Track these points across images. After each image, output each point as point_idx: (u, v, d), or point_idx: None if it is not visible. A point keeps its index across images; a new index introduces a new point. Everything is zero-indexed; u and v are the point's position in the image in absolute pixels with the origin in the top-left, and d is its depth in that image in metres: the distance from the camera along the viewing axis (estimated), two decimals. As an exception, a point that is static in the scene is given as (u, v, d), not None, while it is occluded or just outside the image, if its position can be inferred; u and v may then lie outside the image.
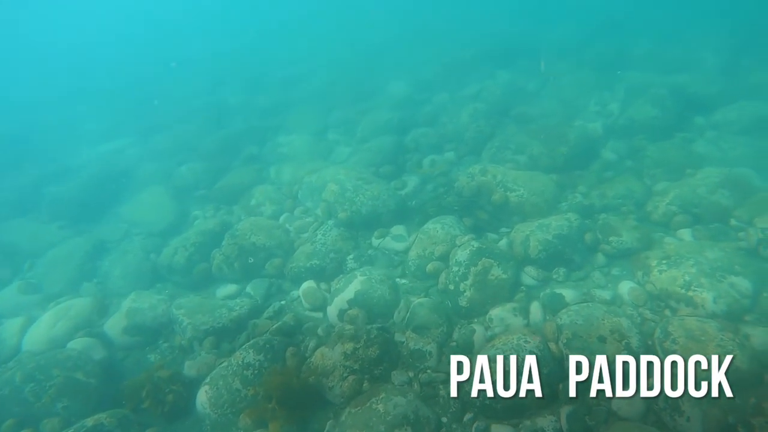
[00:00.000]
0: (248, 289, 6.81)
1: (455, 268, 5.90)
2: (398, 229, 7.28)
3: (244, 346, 5.36)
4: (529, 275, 6.01)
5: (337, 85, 14.24)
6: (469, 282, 5.74)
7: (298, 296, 6.49)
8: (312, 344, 5.59)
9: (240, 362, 5.19)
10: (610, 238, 6.24)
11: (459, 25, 20.30)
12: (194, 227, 8.02)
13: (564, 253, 6.06)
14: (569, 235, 6.17)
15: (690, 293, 5.05)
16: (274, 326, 5.85)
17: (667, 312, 5.15)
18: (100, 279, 7.62)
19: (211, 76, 18.08)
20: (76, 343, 6.12)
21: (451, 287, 5.85)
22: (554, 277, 6.00)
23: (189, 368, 5.60)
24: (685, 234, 6.30)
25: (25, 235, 8.77)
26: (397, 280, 6.44)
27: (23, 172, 11.38)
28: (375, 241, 7.13)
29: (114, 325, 6.40)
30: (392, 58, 17.04)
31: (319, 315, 6.21)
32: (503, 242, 6.54)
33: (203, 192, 9.67)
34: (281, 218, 7.99)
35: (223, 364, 5.30)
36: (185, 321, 6.13)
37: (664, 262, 5.48)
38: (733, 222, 6.28)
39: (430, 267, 6.31)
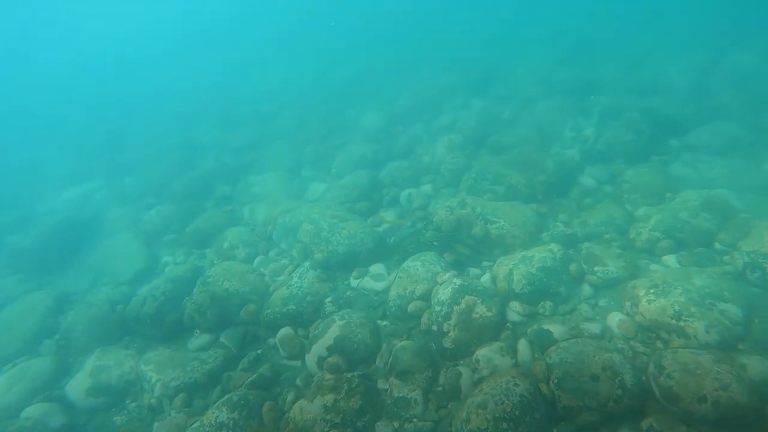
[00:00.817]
0: (222, 338, 6.50)
1: (438, 308, 5.71)
2: (377, 268, 7.09)
3: (216, 404, 5.05)
4: (515, 311, 5.84)
5: (309, 119, 14.20)
6: (452, 322, 5.55)
7: (275, 344, 6.21)
8: (290, 397, 5.31)
9: (212, 422, 4.87)
10: (596, 268, 6.14)
11: (429, 54, 20.63)
12: (164, 274, 7.71)
13: (549, 286, 5.92)
14: (553, 267, 6.05)
15: (681, 323, 4.94)
16: (249, 379, 5.56)
17: (659, 344, 5.02)
18: (62, 335, 7.22)
19: (182, 114, 17.92)
20: (33, 410, 5.75)
21: (434, 328, 5.64)
22: (540, 311, 5.84)
23: (158, 429, 5.24)
24: (671, 260, 6.24)
25: (-23, 293, 8.34)
26: (378, 321, 6.22)
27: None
28: (353, 282, 6.92)
29: (76, 387, 6.03)
30: (364, 89, 17.16)
31: (298, 363, 5.92)
32: (486, 277, 6.38)
33: (173, 236, 9.39)
34: (255, 261, 7.74)
35: (194, 425, 4.97)
36: (154, 377, 5.81)
37: (652, 291, 5.37)
38: (717, 246, 6.25)
39: (411, 307, 6.10)
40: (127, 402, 5.98)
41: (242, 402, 5.00)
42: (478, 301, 5.69)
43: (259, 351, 6.24)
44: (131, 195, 11.50)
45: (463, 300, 5.67)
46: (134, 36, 41.49)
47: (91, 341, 6.93)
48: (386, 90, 16.33)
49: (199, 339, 6.58)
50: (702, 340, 4.78)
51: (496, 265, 6.43)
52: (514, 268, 6.09)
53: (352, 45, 25.82)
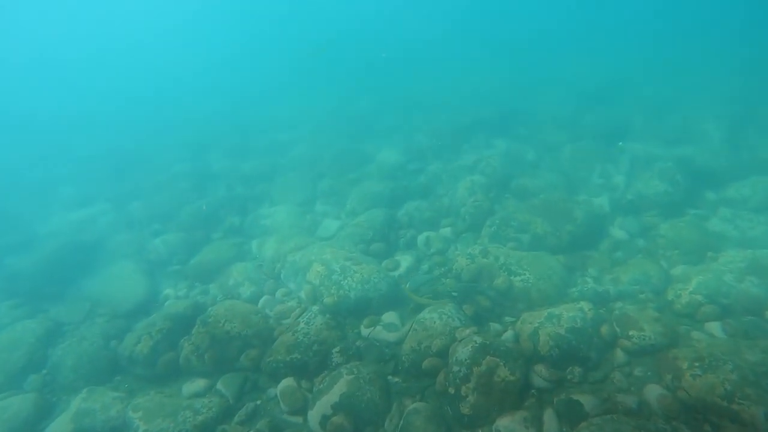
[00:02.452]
0: (219, 385, 6.07)
1: (455, 368, 5.27)
2: (390, 316, 6.69)
3: (206, 467, 4.60)
4: (540, 376, 5.37)
5: (325, 152, 14.00)
6: (471, 385, 5.09)
7: (276, 395, 5.78)
8: (288, 461, 4.85)
9: (200, 487, 4.42)
10: (630, 332, 5.67)
11: (448, 92, 20.61)
12: (163, 310, 7.36)
13: (579, 349, 5.46)
14: (584, 329, 5.60)
15: (734, 406, 4.43)
16: (244, 437, 5.12)
17: (708, 428, 4.51)
18: (49, 371, 6.84)
19: (194, 140, 17.90)
20: (9, 456, 5.33)
21: (451, 390, 5.19)
22: (569, 377, 5.37)
23: (140, 491, 4.80)
24: (715, 328, 5.75)
25: (-32, 317, 8.04)
26: (389, 377, 5.77)
27: (-16, 241, 10.75)
28: (364, 331, 6.50)
29: (57, 431, 5.61)
30: (381, 125, 17.04)
31: (299, 420, 5.47)
32: (509, 335, 5.93)
33: (177, 267, 9.08)
34: (261, 301, 7.36)
35: (180, 489, 4.54)
36: (141, 428, 5.39)
37: (696, 364, 4.89)
38: None
39: (426, 364, 5.66)
40: (111, 452, 5.55)
41: (235, 465, 4.56)
42: (501, 363, 5.24)
43: (258, 402, 5.82)
44: (138, 221, 11.27)
45: (484, 361, 5.23)
46: (154, 58, 42.40)
47: (79, 379, 6.56)
48: (404, 126, 16.19)
49: (194, 384, 6.16)
50: (761, 428, 4.27)
51: (519, 322, 6.00)
52: (540, 327, 5.66)
53: (370, 79, 26.00)
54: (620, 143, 11.82)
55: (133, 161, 16.44)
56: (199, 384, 6.18)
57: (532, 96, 18.79)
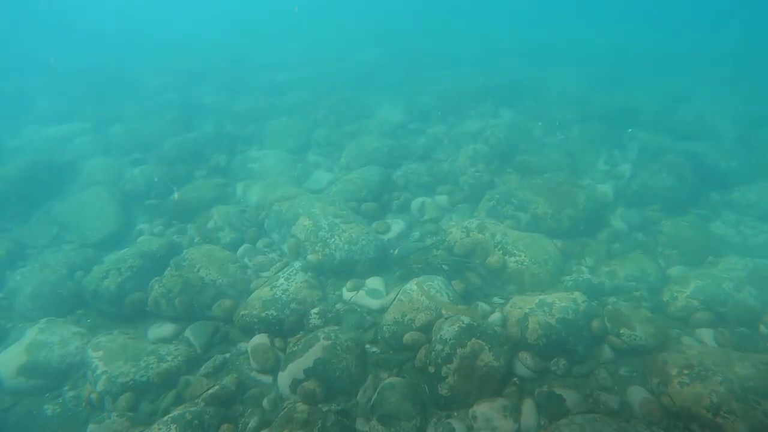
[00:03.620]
0: (187, 332, 5.86)
1: (438, 347, 5.09)
2: (375, 282, 6.47)
3: (165, 419, 4.41)
4: (524, 364, 5.24)
5: (324, 99, 13.47)
6: (453, 366, 4.93)
7: (246, 351, 5.58)
8: (253, 422, 4.69)
9: (157, 440, 4.24)
10: (621, 330, 5.54)
11: (457, 53, 19.97)
12: (135, 246, 7.02)
13: (567, 341, 5.32)
14: (575, 321, 5.44)
15: (719, 420, 4.35)
16: (209, 390, 4.95)
17: (689, 439, 4.44)
18: (6, 295, 6.55)
19: (186, 69, 17.12)
20: (-50, 382, 5.09)
21: (431, 369, 5.03)
22: (553, 368, 5.26)
23: (92, 435, 4.61)
24: (706, 335, 5.66)
25: None
26: (367, 346, 5.60)
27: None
28: (346, 294, 6.29)
29: (8, 361, 5.41)
30: (384, 79, 16.46)
31: (269, 380, 5.30)
32: (496, 317, 5.76)
33: (155, 202, 8.69)
34: (240, 249, 7.06)
35: (135, 438, 4.36)
36: (100, 368, 5.19)
37: (686, 372, 4.79)
38: (762, 329, 5.67)
39: (407, 337, 5.48)
40: (65, 389, 5.35)
41: (196, 422, 4.37)
42: (486, 347, 5.07)
43: (227, 355, 5.64)
44: (117, 146, 10.78)
45: (469, 342, 5.05)
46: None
47: (37, 308, 6.30)
48: (407, 83, 15.68)
49: (161, 329, 5.94)
50: (744, 446, 4.20)
51: (509, 305, 5.83)
52: (531, 313, 5.49)
53: (376, 30, 25.07)
54: (629, 130, 11.53)
55: (116, 82, 15.71)
56: (166, 329, 5.96)
57: (543, 68, 18.32)
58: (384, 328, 5.70)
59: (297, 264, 6.49)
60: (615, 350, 5.51)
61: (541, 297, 5.79)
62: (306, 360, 5.05)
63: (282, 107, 12.96)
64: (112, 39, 22.83)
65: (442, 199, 8.45)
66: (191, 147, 10.26)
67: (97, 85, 15.26)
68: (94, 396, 5.04)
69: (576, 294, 5.83)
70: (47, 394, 5.29)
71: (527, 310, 5.55)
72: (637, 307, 5.99)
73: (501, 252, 6.62)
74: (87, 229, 7.90)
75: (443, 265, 6.43)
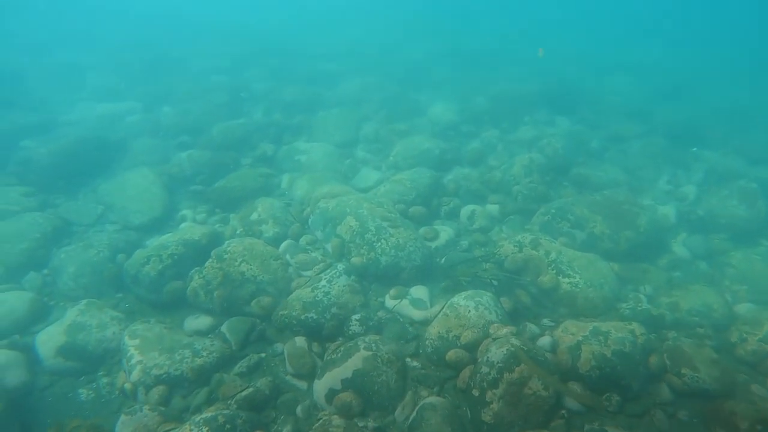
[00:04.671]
0: (224, 328, 5.76)
1: (484, 369, 4.84)
2: (419, 291, 6.25)
3: (197, 420, 4.30)
4: (574, 396, 4.94)
5: (372, 93, 13.27)
6: (498, 391, 4.68)
7: (282, 352, 5.46)
8: (286, 430, 4.55)
9: (188, 440, 4.15)
10: (683, 370, 5.16)
11: (512, 55, 19.47)
12: (177, 233, 6.98)
13: (622, 376, 4.99)
14: (632, 354, 5.11)
15: (795, 486, 3.98)
16: (242, 392, 4.82)
17: (757, 504, 4.08)
18: (51, 272, 6.61)
19: (236, 53, 17.19)
20: (-5, 355, 5.12)
21: (475, 393, 4.79)
22: (605, 404, 4.94)
23: (123, 427, 4.54)
24: (778, 385, 5.23)
25: (-24, 196, 7.79)
26: (407, 360, 5.40)
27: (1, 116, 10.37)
28: (389, 302, 6.10)
29: (48, 340, 5.41)
30: (437, 75, 16.19)
31: (304, 385, 5.16)
32: (545, 341, 5.46)
33: (199, 188, 8.68)
34: (282, 245, 6.93)
35: (166, 435, 4.28)
36: (135, 357, 5.13)
37: (759, 428, 4.41)
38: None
39: (451, 355, 5.26)
40: (99, 374, 5.33)
41: (228, 426, 4.25)
42: (535, 375, 4.80)
43: (262, 355, 5.51)
44: (165, 128, 10.83)
45: (517, 368, 4.79)
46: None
47: (79, 288, 6.33)
48: (459, 81, 15.31)
49: (197, 321, 5.87)
50: None
51: (560, 330, 5.52)
52: (584, 341, 5.18)
53: (427, 26, 24.73)
54: (694, 149, 10.95)
55: (167, 61, 15.87)
56: (203, 321, 5.88)
57: (601, 76, 17.71)
58: (426, 342, 5.48)
59: (340, 266, 6.33)
60: (674, 391, 5.15)
61: (595, 324, 5.47)
62: (344, 370, 4.89)
63: (331, 98, 12.85)
64: (164, 21, 23.18)
65: (493, 208, 8.17)
66: (239, 134, 10.25)
67: (149, 65, 15.46)
68: (128, 386, 4.99)
69: (634, 325, 5.48)
70: (82, 378, 5.28)
71: (580, 338, 5.25)
72: (701, 345, 5.59)
73: (554, 271, 6.31)
74: (131, 211, 7.92)
75: (493, 280, 6.16)
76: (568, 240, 7.19)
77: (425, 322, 5.82)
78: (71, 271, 6.40)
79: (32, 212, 7.48)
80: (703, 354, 5.41)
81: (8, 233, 6.89)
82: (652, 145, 10.78)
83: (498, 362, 4.84)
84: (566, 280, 6.25)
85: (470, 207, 8.03)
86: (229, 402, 4.77)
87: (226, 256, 6.24)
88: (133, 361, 5.10)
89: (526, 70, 16.76)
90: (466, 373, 5.09)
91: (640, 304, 6.20)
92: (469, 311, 5.53)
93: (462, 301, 5.67)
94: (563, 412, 4.85)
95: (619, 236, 7.21)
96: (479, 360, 5.04)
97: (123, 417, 4.63)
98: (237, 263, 6.15)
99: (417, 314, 5.94)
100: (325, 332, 5.57)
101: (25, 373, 5.10)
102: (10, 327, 5.57)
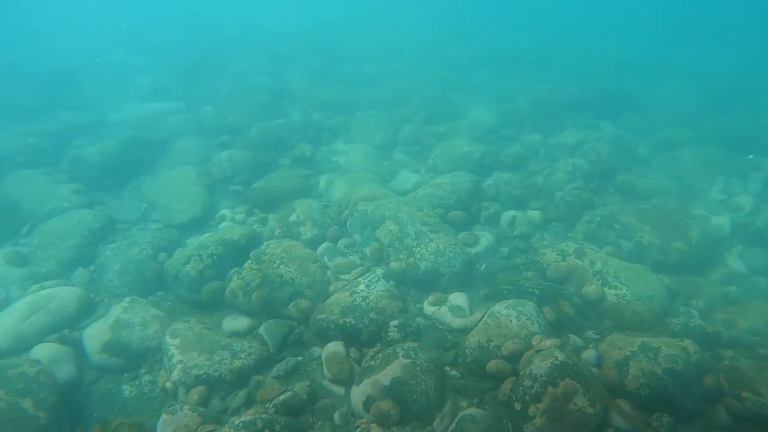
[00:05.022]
0: (261, 329, 5.76)
1: (527, 382, 4.69)
2: (458, 298, 6.13)
3: (237, 423, 4.30)
4: (622, 415, 4.73)
5: (413, 94, 13.18)
6: (542, 406, 4.52)
7: (320, 357, 5.42)
8: (323, 437, 4.51)
9: (226, 444, 4.15)
10: (743, 393, 4.88)
11: (554, 56, 19.05)
12: (217, 233, 7.04)
13: (675, 396, 4.76)
14: (685, 373, 4.86)
15: None
16: (280, 396, 4.81)
17: None
18: (97, 268, 6.78)
19: (276, 54, 17.38)
20: (44, 350, 5.29)
21: (517, 406, 4.64)
22: (655, 424, 4.72)
23: (164, 426, 4.58)
24: None
25: (31, 192, 8.07)
26: (446, 368, 5.28)
27: (53, 116, 10.75)
28: (428, 308, 6.00)
29: (95, 336, 5.53)
30: (477, 78, 16.00)
31: (341, 391, 5.11)
32: (590, 354, 5.26)
33: (239, 188, 8.78)
34: (320, 248, 6.91)
35: (205, 437, 4.29)
36: (176, 357, 5.18)
37: (825, 458, 4.12)
38: None
39: (492, 365, 5.12)
40: (141, 371, 5.41)
41: (266, 431, 4.23)
42: (580, 390, 4.62)
43: (299, 358, 5.48)
44: (207, 128, 11.01)
45: (561, 382, 4.62)
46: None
47: (123, 286, 6.47)
48: (499, 84, 15.09)
49: (236, 322, 5.90)
50: None
51: (606, 344, 5.31)
52: (632, 357, 4.96)
53: (466, 28, 24.44)
54: (751, 156, 10.45)
55: (209, 63, 16.17)
56: (241, 322, 5.90)
57: (648, 81, 17.11)
58: (466, 351, 5.36)
59: (379, 270, 6.25)
60: (733, 415, 4.86)
61: (643, 339, 5.24)
62: (383, 377, 4.81)
63: (369, 100, 12.85)
64: (207, 23, 23.68)
65: (534, 214, 7.97)
66: (277, 134, 10.33)
67: (192, 65, 15.80)
68: (168, 385, 5.05)
69: (687, 342, 5.22)
70: (126, 374, 5.37)
71: (628, 353, 5.03)
72: (764, 367, 5.28)
73: (600, 282, 6.09)
74: (172, 209, 8.06)
75: (535, 290, 5.99)
76: (614, 250, 6.94)
77: (464, 331, 5.70)
78: (116, 269, 6.55)
79: (81, 209, 7.70)
80: (766, 377, 5.12)
81: (60, 230, 7.11)
82: (704, 152, 10.34)
83: (541, 375, 4.68)
84: (612, 291, 6.01)
85: (511, 212, 7.86)
86: (267, 405, 4.76)
87: (264, 257, 6.26)
88: (174, 360, 5.15)
89: (567, 73, 16.36)
90: (507, 385, 4.95)
91: (692, 320, 5.91)
92: (511, 321, 5.38)
93: (503, 310, 5.52)
94: (610, 430, 4.67)
95: (669, 247, 6.92)
96: (521, 372, 4.89)
97: (164, 416, 4.67)
98: (276, 265, 6.16)
99: (456, 322, 5.82)
100: (363, 337, 5.51)
101: (74, 367, 5.24)
102: (61, 322, 5.71)
